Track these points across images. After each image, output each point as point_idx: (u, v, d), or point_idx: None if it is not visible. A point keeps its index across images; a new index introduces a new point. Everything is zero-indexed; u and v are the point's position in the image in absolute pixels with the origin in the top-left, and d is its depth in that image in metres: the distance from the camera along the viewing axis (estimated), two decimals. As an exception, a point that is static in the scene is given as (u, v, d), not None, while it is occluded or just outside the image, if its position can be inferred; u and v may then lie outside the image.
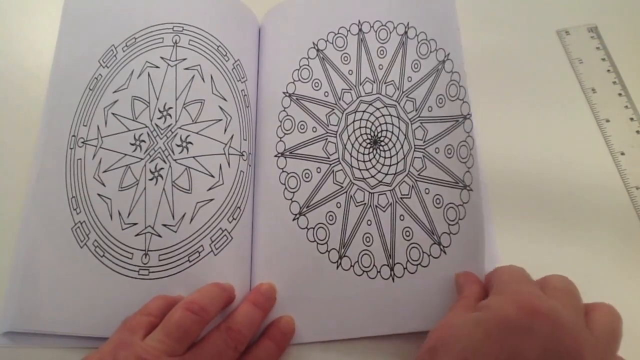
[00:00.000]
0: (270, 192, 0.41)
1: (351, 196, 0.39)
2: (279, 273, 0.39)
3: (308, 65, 0.43)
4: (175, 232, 0.37)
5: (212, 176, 0.38)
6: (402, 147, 0.40)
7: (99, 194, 0.38)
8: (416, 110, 0.40)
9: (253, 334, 0.35)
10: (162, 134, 0.39)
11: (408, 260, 0.37)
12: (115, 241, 0.37)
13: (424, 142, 0.39)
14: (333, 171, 0.40)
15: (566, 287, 0.31)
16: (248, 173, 0.41)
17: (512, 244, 0.40)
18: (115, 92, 0.41)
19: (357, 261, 0.38)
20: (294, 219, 0.39)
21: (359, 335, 0.37)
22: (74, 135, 0.40)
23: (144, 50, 0.41)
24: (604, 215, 0.41)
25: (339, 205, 0.39)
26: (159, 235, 0.37)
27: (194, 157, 0.39)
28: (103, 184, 0.38)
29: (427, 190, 0.38)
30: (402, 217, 0.38)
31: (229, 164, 0.39)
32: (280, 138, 0.42)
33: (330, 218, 0.39)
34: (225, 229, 0.38)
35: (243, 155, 0.41)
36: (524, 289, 0.29)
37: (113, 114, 0.40)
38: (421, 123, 0.39)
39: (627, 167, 0.42)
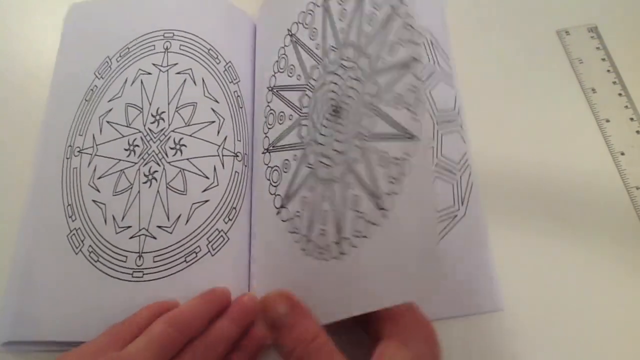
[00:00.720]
0: (260, 190, 0.40)
1: (318, 177, 0.36)
2: (269, 271, 0.38)
3: (285, 54, 0.42)
4: (171, 233, 0.37)
5: (207, 177, 0.39)
6: (358, 109, 0.35)
7: (93, 200, 0.38)
8: (371, 66, 0.35)
9: (226, 349, 0.34)
10: (155, 138, 0.39)
11: (354, 234, 0.32)
12: (110, 245, 0.37)
13: (376, 97, 0.34)
14: (306, 155, 0.38)
15: None
16: (243, 173, 0.41)
17: (511, 244, 0.39)
18: (110, 101, 0.41)
19: (317, 244, 0.34)
20: (277, 213, 0.38)
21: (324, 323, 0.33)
22: (70, 146, 0.41)
23: (136, 58, 0.42)
24: (604, 215, 0.41)
25: (311, 189, 0.36)
26: (154, 237, 0.37)
27: (187, 159, 0.39)
28: (98, 190, 0.38)
29: (374, 149, 0.33)
30: (352, 186, 0.33)
31: (223, 166, 0.39)
32: (266, 134, 0.41)
33: (304, 205, 0.37)
34: (222, 230, 0.38)
35: (237, 156, 0.40)
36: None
37: (108, 122, 0.40)
38: (375, 79, 0.35)
39: (627, 167, 0.42)
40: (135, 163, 0.39)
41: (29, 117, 0.44)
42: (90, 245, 0.37)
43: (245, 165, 0.41)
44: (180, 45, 0.42)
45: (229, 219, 0.39)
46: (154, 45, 0.42)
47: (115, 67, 0.42)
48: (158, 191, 0.38)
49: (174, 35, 0.42)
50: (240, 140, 0.41)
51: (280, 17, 0.43)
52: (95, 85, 0.42)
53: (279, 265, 0.37)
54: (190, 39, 0.42)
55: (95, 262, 0.37)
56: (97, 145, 0.40)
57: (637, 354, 0.36)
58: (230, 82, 0.42)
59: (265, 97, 0.42)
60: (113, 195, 0.38)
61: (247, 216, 0.40)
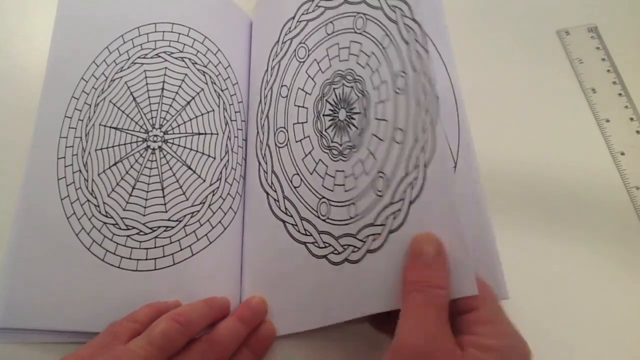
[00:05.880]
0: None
1: None
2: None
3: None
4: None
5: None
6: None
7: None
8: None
9: (235, 348, 0.34)
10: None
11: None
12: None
13: None
14: None
15: None
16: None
17: (512, 245, 0.39)
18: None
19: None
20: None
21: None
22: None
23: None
24: (604, 215, 0.41)
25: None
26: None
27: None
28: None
29: None
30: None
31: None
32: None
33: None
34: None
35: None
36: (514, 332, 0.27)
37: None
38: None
39: (627, 167, 0.42)
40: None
41: (28, 115, 0.43)
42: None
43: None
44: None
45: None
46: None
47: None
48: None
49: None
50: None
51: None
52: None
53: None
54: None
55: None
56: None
57: (636, 352, 0.35)
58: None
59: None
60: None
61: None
